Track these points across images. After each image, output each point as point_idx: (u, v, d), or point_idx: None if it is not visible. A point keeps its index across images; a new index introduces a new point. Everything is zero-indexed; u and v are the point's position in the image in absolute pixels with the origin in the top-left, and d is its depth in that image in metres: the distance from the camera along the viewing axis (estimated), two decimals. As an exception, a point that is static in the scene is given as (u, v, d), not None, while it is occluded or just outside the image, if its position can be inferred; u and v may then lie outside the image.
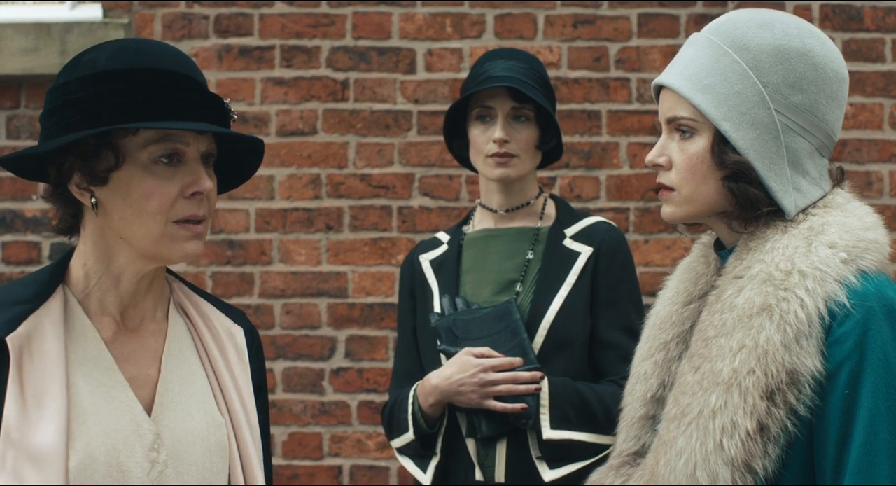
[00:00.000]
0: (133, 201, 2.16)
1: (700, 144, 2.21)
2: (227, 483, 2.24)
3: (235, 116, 2.26)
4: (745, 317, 2.10)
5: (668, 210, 2.27)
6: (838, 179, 2.26)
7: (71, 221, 2.25)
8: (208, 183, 2.18)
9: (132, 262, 2.22)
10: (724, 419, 2.06)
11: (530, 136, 3.37)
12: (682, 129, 2.22)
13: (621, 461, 2.34)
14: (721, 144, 2.18)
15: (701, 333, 2.17)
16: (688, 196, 2.23)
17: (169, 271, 2.37)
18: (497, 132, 3.34)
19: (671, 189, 2.25)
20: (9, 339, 2.13)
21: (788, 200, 2.17)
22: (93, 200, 2.17)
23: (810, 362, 2.04)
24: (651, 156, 2.27)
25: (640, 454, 2.32)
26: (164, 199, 2.15)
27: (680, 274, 2.39)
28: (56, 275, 2.25)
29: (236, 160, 2.32)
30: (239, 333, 2.35)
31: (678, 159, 2.23)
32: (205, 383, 2.28)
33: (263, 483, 2.27)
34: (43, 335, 2.17)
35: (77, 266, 2.25)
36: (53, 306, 2.20)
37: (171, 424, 2.21)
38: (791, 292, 2.07)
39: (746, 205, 2.18)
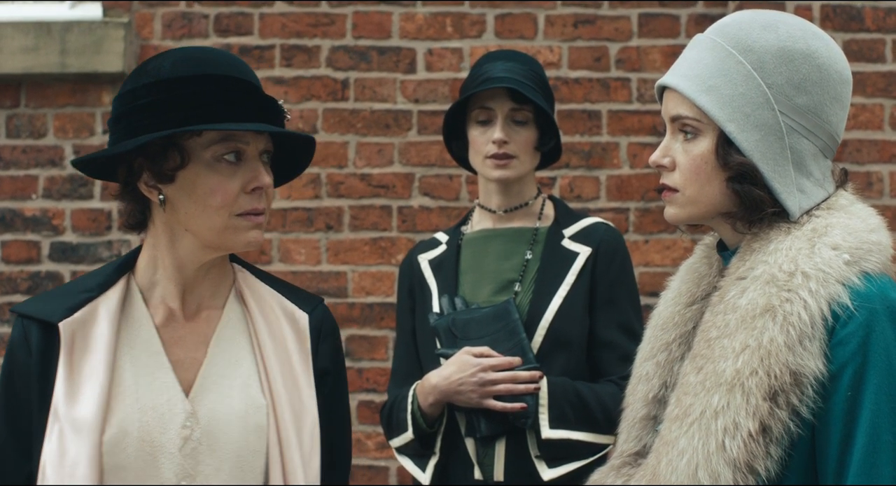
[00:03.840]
0: (198, 197, 2.35)
1: (704, 145, 2.20)
2: (265, 462, 2.36)
3: (289, 116, 2.44)
4: (748, 318, 2.09)
5: (671, 211, 2.27)
6: (842, 180, 2.25)
7: (139, 217, 2.45)
8: (267, 179, 2.37)
9: (195, 251, 2.40)
10: (727, 419, 2.06)
11: (529, 137, 3.38)
12: (686, 130, 2.22)
13: (622, 461, 2.34)
14: (725, 145, 2.18)
15: (703, 333, 2.17)
16: (691, 197, 2.23)
17: (238, 260, 2.53)
18: (496, 133, 3.34)
19: (675, 190, 2.24)
20: (61, 325, 2.35)
21: (792, 201, 2.17)
22: (160, 196, 2.37)
23: (813, 364, 2.04)
24: (654, 157, 2.26)
25: (641, 454, 2.32)
26: (228, 194, 2.34)
27: (682, 275, 2.39)
28: (123, 267, 2.47)
29: (289, 157, 2.53)
30: (303, 318, 2.48)
31: (682, 160, 2.23)
32: (252, 366, 2.42)
33: (300, 463, 2.36)
34: (97, 321, 2.38)
35: (144, 258, 2.45)
36: (113, 294, 2.41)
37: (209, 403, 2.36)
38: (794, 293, 2.07)
39: (750, 206, 2.18)
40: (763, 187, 2.17)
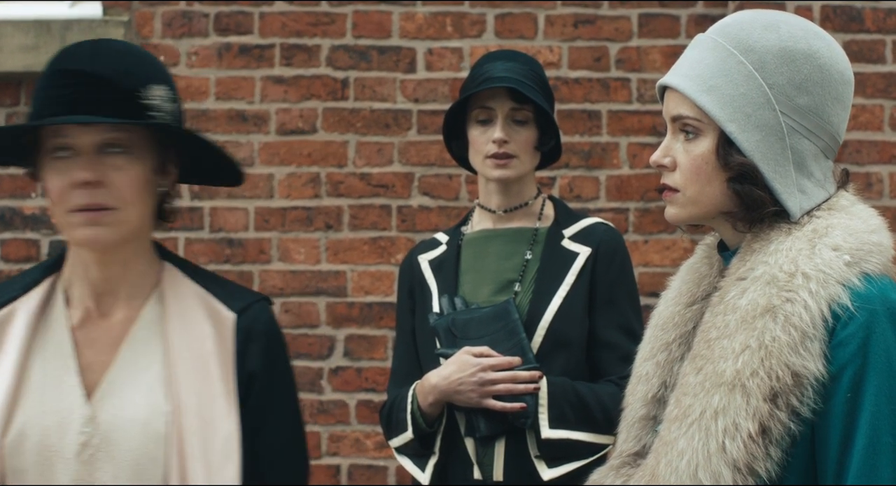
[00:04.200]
0: (47, 194, 2.32)
1: (705, 145, 2.20)
2: (163, 471, 2.26)
3: (166, 111, 2.31)
4: (748, 318, 2.09)
5: (672, 211, 2.26)
6: (843, 181, 2.25)
7: None
8: (87, 174, 2.25)
9: (78, 249, 2.35)
10: (727, 420, 2.05)
11: (529, 137, 3.37)
12: (687, 130, 2.21)
13: (622, 461, 2.34)
14: (726, 145, 2.17)
15: (703, 334, 2.17)
16: (692, 197, 2.22)
17: (172, 258, 2.44)
18: (497, 133, 3.34)
19: (675, 190, 2.24)
20: None
21: (793, 202, 2.16)
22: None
23: (813, 365, 2.03)
24: (655, 156, 2.26)
25: (640, 454, 2.31)
26: (57, 190, 2.27)
27: (683, 275, 2.39)
28: (49, 268, 2.41)
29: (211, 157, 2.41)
30: (229, 318, 2.35)
31: (683, 160, 2.22)
32: (161, 370, 2.31)
33: (203, 473, 2.25)
34: (13, 322, 2.33)
35: (68, 257, 2.40)
36: (35, 294, 2.36)
37: (110, 409, 2.28)
38: (795, 293, 2.06)
39: (751, 206, 2.17)
40: (764, 188, 2.16)
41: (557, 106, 5.03)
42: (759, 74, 2.17)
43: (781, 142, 2.16)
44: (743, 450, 2.03)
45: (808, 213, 2.17)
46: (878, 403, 2.01)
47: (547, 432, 3.23)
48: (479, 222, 3.50)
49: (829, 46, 2.20)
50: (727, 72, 2.18)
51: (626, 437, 2.36)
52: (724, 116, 2.17)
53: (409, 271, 3.52)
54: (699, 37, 2.27)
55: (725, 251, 2.29)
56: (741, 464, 2.03)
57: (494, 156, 3.36)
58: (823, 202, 2.19)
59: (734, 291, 2.14)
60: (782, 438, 2.04)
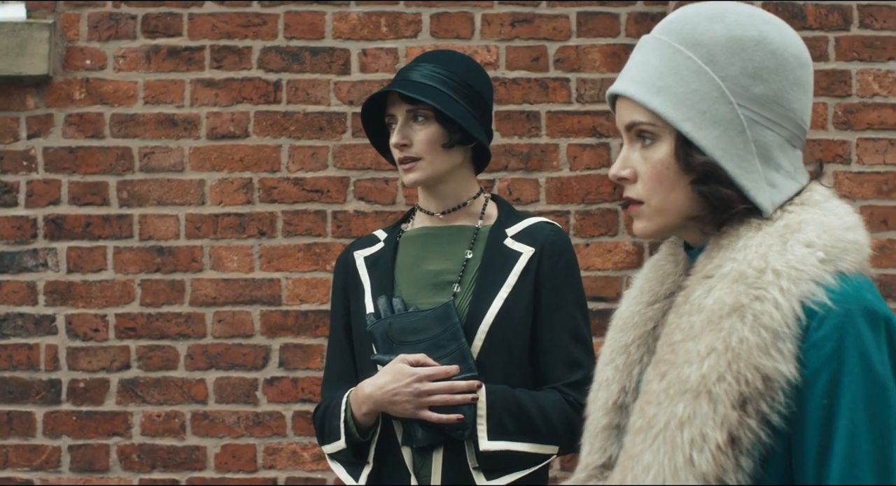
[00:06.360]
0: None
1: (663, 149, 2.11)
2: None
3: None
4: (714, 319, 2.00)
5: (639, 226, 2.17)
6: (816, 172, 2.16)
7: None
8: None
9: None
10: (693, 431, 1.96)
11: (431, 134, 3.33)
12: (644, 136, 2.13)
13: (588, 474, 2.25)
14: (685, 146, 2.09)
15: (667, 337, 2.08)
16: (657, 207, 2.13)
17: None
18: (392, 137, 3.34)
19: (639, 202, 2.15)
20: None
21: (763, 196, 2.08)
22: None
23: (785, 367, 1.94)
24: (614, 169, 2.16)
25: (607, 466, 2.23)
26: None
27: (646, 273, 2.30)
28: None
29: None
30: None
31: (643, 169, 2.13)
32: None
33: None
34: None
35: None
36: None
37: None
38: (764, 290, 1.97)
39: (720, 206, 2.09)
40: (730, 185, 2.08)
41: (495, 107, 5.01)
42: (709, 68, 2.09)
43: (742, 135, 2.08)
44: (712, 462, 1.94)
45: (781, 208, 2.09)
46: (856, 409, 1.93)
47: (485, 444, 3.18)
48: (419, 221, 3.46)
49: (779, 30, 2.13)
50: (676, 70, 2.10)
51: (589, 449, 2.27)
52: (678, 116, 2.08)
53: (344, 267, 3.48)
54: (644, 38, 2.19)
55: (692, 249, 2.20)
56: (711, 477, 1.94)
57: (400, 161, 3.34)
58: (796, 196, 2.10)
59: (700, 290, 2.06)
60: (753, 447, 1.95)
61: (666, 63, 2.11)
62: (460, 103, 3.32)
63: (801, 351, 1.94)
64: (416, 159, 3.32)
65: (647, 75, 2.12)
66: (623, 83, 2.15)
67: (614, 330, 2.28)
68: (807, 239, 2.01)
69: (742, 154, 2.07)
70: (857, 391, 1.92)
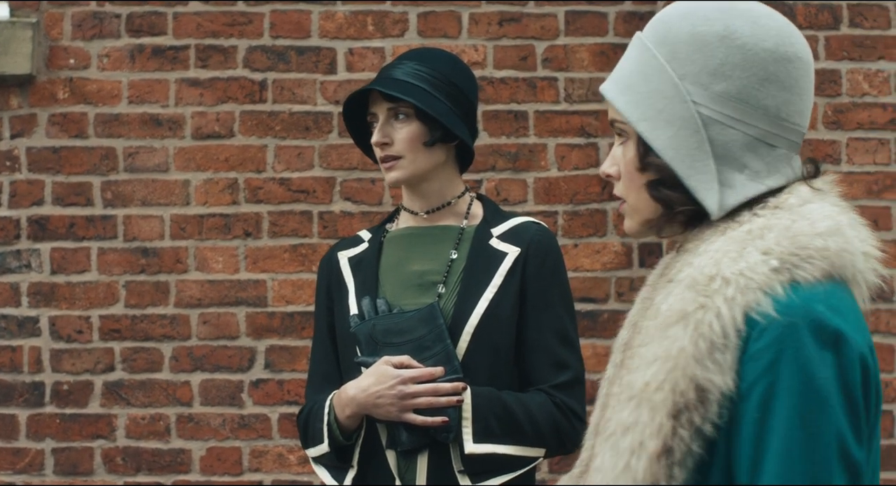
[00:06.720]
0: None
1: (631, 148, 2.08)
2: None
3: None
4: (663, 326, 1.96)
5: (626, 224, 2.15)
6: (810, 172, 2.10)
7: None
8: None
9: None
10: (634, 438, 1.92)
11: (411, 133, 3.30)
12: (620, 134, 2.11)
13: (581, 469, 2.23)
14: (643, 146, 2.06)
15: (632, 340, 2.07)
16: (633, 205, 2.11)
17: None
18: (373, 136, 3.32)
19: (624, 200, 2.13)
20: None
21: (711, 198, 2.02)
22: None
23: (720, 380, 1.89)
24: (603, 167, 2.15)
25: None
26: None
27: (656, 269, 2.27)
28: None
29: None
30: None
31: (621, 167, 2.11)
32: None
33: None
34: None
35: None
36: None
37: None
38: (710, 299, 1.92)
39: (666, 207, 2.05)
40: (678, 186, 2.04)
41: (483, 107, 5.01)
42: (669, 67, 2.05)
43: (696, 135, 2.03)
44: (648, 471, 1.90)
45: (751, 211, 2.03)
46: (791, 426, 1.84)
47: (471, 446, 3.15)
48: (404, 221, 3.43)
49: (754, 23, 2.06)
50: (642, 69, 2.07)
51: (586, 445, 2.24)
52: (636, 116, 2.05)
53: (328, 267, 3.45)
54: (634, 37, 2.17)
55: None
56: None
57: (382, 160, 3.32)
58: (771, 198, 2.05)
59: (662, 294, 2.03)
60: (685, 458, 1.89)
61: (636, 62, 2.09)
62: (442, 101, 3.29)
63: (739, 364, 1.88)
64: (397, 158, 3.29)
65: (621, 74, 2.11)
66: (606, 82, 2.14)
67: (622, 329, 2.26)
68: (765, 246, 1.94)
69: (695, 154, 2.02)
70: (794, 407, 1.84)
